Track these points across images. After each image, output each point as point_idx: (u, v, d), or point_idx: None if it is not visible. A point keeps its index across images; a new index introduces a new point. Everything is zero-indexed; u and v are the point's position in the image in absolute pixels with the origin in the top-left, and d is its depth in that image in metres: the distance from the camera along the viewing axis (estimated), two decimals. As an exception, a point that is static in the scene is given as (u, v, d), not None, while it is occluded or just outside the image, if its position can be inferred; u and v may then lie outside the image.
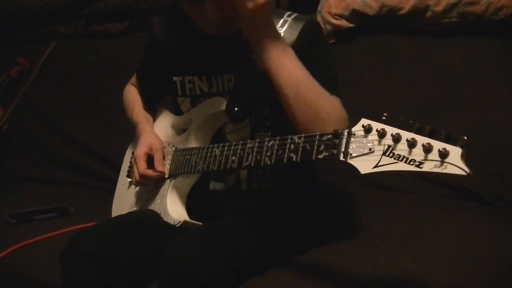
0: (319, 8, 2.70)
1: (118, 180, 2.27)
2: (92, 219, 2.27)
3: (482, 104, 2.37)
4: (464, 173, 1.18)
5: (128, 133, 2.29)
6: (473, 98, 2.39)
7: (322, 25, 2.62)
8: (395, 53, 2.57)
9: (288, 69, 1.65)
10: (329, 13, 2.63)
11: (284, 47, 1.67)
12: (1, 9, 3.59)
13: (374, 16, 2.57)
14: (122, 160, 2.33)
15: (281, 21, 1.83)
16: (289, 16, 1.85)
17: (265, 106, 1.84)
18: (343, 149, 1.35)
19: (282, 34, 1.77)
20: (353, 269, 1.65)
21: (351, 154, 1.33)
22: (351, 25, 2.63)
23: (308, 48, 1.78)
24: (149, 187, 2.00)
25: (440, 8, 2.44)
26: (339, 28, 2.63)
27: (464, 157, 1.19)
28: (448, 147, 1.19)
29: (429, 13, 2.47)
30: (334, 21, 2.62)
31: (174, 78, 1.98)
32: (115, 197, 2.24)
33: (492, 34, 2.43)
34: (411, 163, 1.22)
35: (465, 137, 1.20)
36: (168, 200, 1.90)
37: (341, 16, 2.62)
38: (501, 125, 2.31)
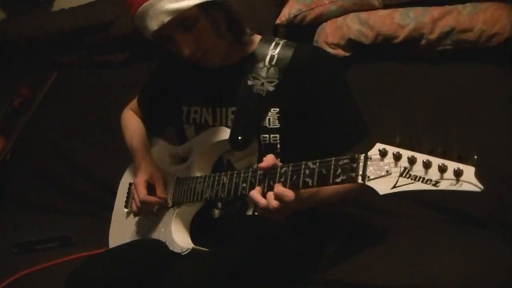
0: (315, 38, 2.72)
1: (114, 210, 2.27)
2: (94, 248, 2.31)
3: (479, 129, 2.40)
4: (478, 190, 1.24)
5: (125, 162, 2.31)
6: (470, 123, 2.42)
7: None
8: (391, 81, 2.60)
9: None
10: (326, 42, 2.65)
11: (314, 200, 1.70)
12: (4, 39, 3.61)
13: (370, 45, 2.59)
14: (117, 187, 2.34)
15: (274, 43, 1.90)
16: (280, 40, 1.92)
17: (273, 134, 1.86)
18: (361, 172, 1.39)
19: (276, 55, 1.85)
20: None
21: (369, 177, 1.37)
22: (347, 54, 2.65)
23: (328, 85, 1.85)
24: (150, 216, 2.00)
25: (434, 36, 2.47)
26: (336, 57, 2.64)
27: (477, 174, 1.25)
28: (462, 166, 1.25)
29: (423, 41, 2.50)
30: (330, 50, 2.64)
31: (182, 107, 2.00)
32: (111, 227, 2.25)
33: (486, 61, 2.46)
34: (428, 182, 1.27)
35: (476, 156, 1.26)
36: (173, 228, 1.91)
37: (337, 45, 2.64)
38: (496, 151, 2.34)
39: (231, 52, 1.87)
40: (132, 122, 2.25)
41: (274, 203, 1.53)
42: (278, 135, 1.85)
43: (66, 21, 3.46)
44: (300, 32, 2.79)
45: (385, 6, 2.64)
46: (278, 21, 2.78)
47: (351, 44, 2.63)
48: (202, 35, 1.77)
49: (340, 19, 2.67)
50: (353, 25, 2.61)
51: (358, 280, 1.80)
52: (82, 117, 3.32)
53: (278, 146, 1.86)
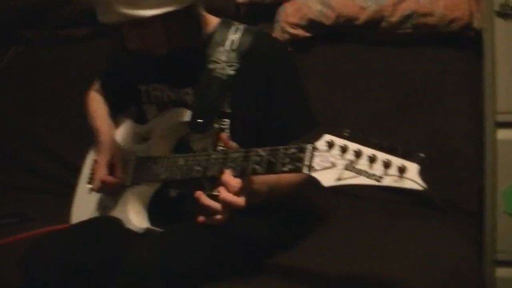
0: (276, 17, 2.76)
1: (78, 186, 2.29)
2: (52, 224, 2.28)
3: (437, 113, 2.48)
4: (420, 188, 1.26)
5: (90, 138, 2.30)
6: (428, 108, 2.50)
7: (280, 34, 2.71)
8: (352, 63, 2.66)
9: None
10: (287, 22, 2.70)
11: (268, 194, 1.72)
12: None
13: (331, 26, 2.65)
14: (81, 163, 2.35)
15: (234, 28, 1.92)
16: (239, 25, 1.93)
17: (222, 120, 1.90)
18: (307, 163, 1.41)
19: (237, 40, 1.87)
20: (315, 273, 1.74)
21: (314, 168, 1.39)
22: (308, 34, 2.70)
23: (282, 75, 1.89)
24: (110, 193, 2.03)
25: (395, 19, 2.54)
26: (297, 37, 2.70)
27: (421, 173, 1.27)
28: (406, 163, 1.27)
29: (384, 24, 2.56)
30: (291, 30, 2.69)
31: (139, 86, 2.02)
32: (74, 202, 2.26)
33: (445, 45, 2.54)
34: (372, 177, 1.29)
35: (421, 154, 1.28)
36: (129, 207, 1.94)
37: (298, 26, 2.68)
38: (456, 134, 2.42)
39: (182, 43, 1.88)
40: (95, 103, 2.26)
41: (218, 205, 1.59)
42: (228, 120, 1.89)
43: None
44: (261, 11, 2.83)
45: (347, -13, 2.68)
46: (239, 0, 2.82)
47: (312, 25, 2.68)
48: (152, 37, 1.77)
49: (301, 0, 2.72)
50: (314, 6, 2.67)
51: (314, 266, 1.83)
52: (42, 91, 3.30)
53: (228, 131, 1.89)
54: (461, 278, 1.79)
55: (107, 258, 1.79)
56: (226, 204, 1.58)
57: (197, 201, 1.62)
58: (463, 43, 2.50)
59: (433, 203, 2.31)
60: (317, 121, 1.92)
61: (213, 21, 1.94)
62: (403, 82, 2.56)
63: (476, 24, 2.42)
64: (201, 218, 1.63)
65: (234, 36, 1.88)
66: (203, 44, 1.90)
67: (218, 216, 1.60)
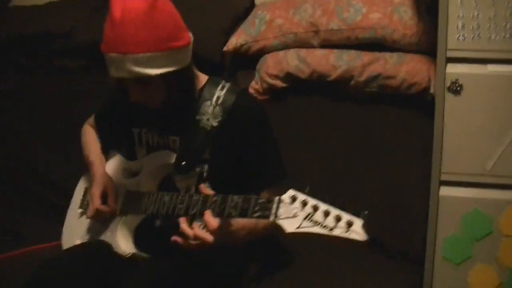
0: (257, 67, 2.97)
1: (69, 210, 2.49)
2: (43, 242, 2.56)
3: (394, 168, 2.67)
4: (363, 239, 1.53)
5: (79, 165, 2.50)
6: (386, 162, 2.70)
7: (259, 84, 2.93)
8: (322, 114, 2.85)
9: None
10: (266, 73, 2.90)
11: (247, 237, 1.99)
12: None
13: (306, 80, 2.85)
14: (71, 187, 2.55)
15: (220, 85, 2.16)
16: (226, 82, 2.17)
17: (204, 164, 2.14)
18: (274, 211, 1.68)
19: (222, 96, 2.11)
20: None
21: (279, 216, 1.65)
22: (284, 85, 2.90)
23: (258, 132, 2.13)
24: (101, 221, 2.25)
25: (362, 79, 2.75)
26: (274, 87, 2.91)
27: (364, 227, 1.54)
28: (353, 218, 1.54)
29: (353, 82, 2.77)
30: (270, 80, 2.90)
31: (132, 129, 2.25)
32: (65, 225, 2.46)
33: (405, 106, 2.75)
34: (325, 228, 1.56)
35: (366, 212, 1.55)
36: (118, 234, 2.18)
37: (276, 77, 2.89)
38: (409, 188, 2.62)
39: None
40: (89, 137, 2.47)
41: (199, 232, 1.84)
42: (206, 166, 2.13)
43: (28, 25, 3.53)
44: (244, 60, 3.03)
45: (323, 46, 2.89)
46: (225, 48, 3.01)
47: (289, 77, 2.89)
48: (152, 93, 2.02)
49: (281, 53, 2.93)
50: (292, 61, 2.87)
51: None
52: (36, 119, 3.42)
53: (205, 175, 2.13)
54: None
55: (99, 279, 2.04)
56: (196, 238, 1.83)
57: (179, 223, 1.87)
58: (421, 105, 2.68)
59: (384, 249, 2.53)
60: (285, 174, 2.15)
61: (202, 79, 2.18)
62: (364, 137, 2.76)
63: (432, 90, 2.60)
64: (175, 238, 1.88)
65: (220, 92, 2.12)
66: (194, 98, 2.13)
67: (191, 242, 1.85)
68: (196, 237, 1.83)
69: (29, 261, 2.28)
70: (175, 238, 1.87)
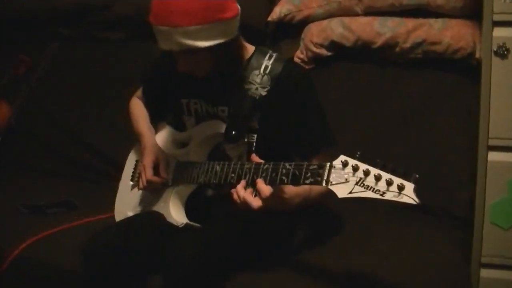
0: (302, 36, 2.99)
1: (121, 182, 2.54)
2: (97, 213, 2.62)
3: (437, 130, 2.70)
4: (415, 203, 1.55)
5: (125, 134, 2.56)
6: (431, 125, 2.73)
7: (304, 53, 2.95)
8: (367, 81, 2.88)
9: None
10: (311, 41, 2.93)
11: (300, 204, 1.99)
12: (7, 10, 3.71)
13: (350, 47, 2.87)
14: (120, 157, 2.60)
15: (268, 55, 2.18)
16: (272, 53, 2.20)
17: (253, 134, 2.17)
18: (325, 178, 1.70)
19: (270, 65, 2.13)
20: (325, 268, 2.10)
21: (331, 182, 1.68)
22: (329, 53, 2.93)
23: (305, 100, 2.14)
24: (152, 191, 2.30)
25: (407, 45, 2.76)
26: (319, 55, 2.93)
27: (416, 190, 1.56)
28: (405, 182, 1.56)
29: (398, 49, 2.78)
30: (314, 49, 2.92)
31: (181, 100, 2.28)
32: (117, 196, 2.52)
33: (450, 70, 2.75)
34: (377, 192, 1.59)
35: (417, 175, 1.57)
36: (171, 204, 2.22)
37: (321, 45, 2.91)
38: (451, 151, 2.64)
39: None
40: (137, 109, 2.50)
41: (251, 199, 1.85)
42: (255, 135, 2.16)
43: None
44: (288, 29, 3.05)
45: (366, 14, 2.90)
46: (269, 18, 3.04)
47: (334, 45, 2.91)
48: (199, 64, 2.04)
49: (325, 22, 2.95)
50: (337, 28, 2.89)
51: (319, 262, 2.15)
52: (81, 88, 3.49)
53: (254, 144, 2.16)
54: (449, 277, 2.09)
55: (154, 247, 2.09)
56: (244, 202, 1.85)
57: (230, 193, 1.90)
58: (466, 70, 2.69)
59: (430, 210, 2.56)
60: (334, 140, 2.17)
61: (249, 49, 2.19)
62: (410, 102, 2.79)
63: (478, 54, 2.61)
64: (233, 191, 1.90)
65: (268, 62, 2.14)
66: (242, 68, 2.15)
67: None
68: (244, 201, 1.86)
69: (84, 232, 2.34)
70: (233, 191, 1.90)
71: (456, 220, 2.54)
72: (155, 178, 2.23)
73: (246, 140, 2.16)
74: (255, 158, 1.94)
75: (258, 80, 2.13)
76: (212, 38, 1.97)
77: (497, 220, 2.35)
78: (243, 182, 1.90)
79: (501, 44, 2.24)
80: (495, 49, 2.25)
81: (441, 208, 2.58)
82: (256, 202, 1.84)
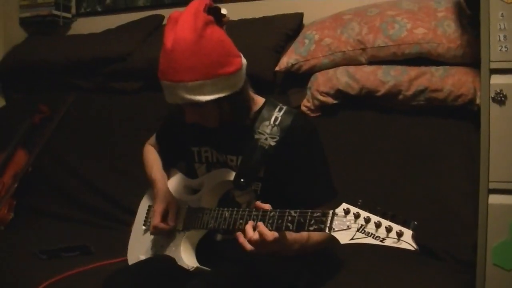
0: (309, 85, 3.08)
1: (134, 226, 2.61)
2: (110, 257, 2.67)
3: (440, 177, 2.75)
4: (413, 249, 1.62)
5: (138, 182, 2.64)
6: (435, 170, 2.77)
7: (311, 101, 3.04)
8: (371, 128, 2.96)
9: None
10: (317, 90, 3.02)
11: (299, 250, 2.07)
12: (28, 62, 3.89)
13: (355, 96, 2.96)
14: (133, 203, 2.67)
15: (278, 107, 2.26)
16: (282, 106, 2.27)
17: (258, 182, 2.25)
18: (328, 225, 1.78)
19: (280, 117, 2.21)
20: None
21: (334, 229, 1.76)
22: (335, 101, 3.02)
23: (311, 152, 2.22)
24: (164, 236, 2.37)
25: (410, 92, 2.85)
26: (325, 103, 3.02)
27: (414, 237, 1.63)
28: (403, 229, 1.64)
29: (401, 97, 2.87)
30: (321, 97, 3.01)
31: (192, 148, 2.36)
32: (130, 240, 2.58)
33: (452, 117, 2.82)
34: (377, 239, 1.66)
35: (416, 222, 1.64)
36: (182, 248, 2.29)
37: (327, 94, 3.00)
38: (455, 196, 2.69)
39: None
40: (151, 156, 2.58)
41: (256, 237, 1.92)
42: (259, 183, 2.24)
43: (86, 50, 3.75)
44: (295, 79, 3.16)
45: (370, 63, 3.00)
46: (277, 68, 3.16)
47: (339, 94, 3.00)
48: (206, 115, 2.12)
49: (331, 71, 3.04)
50: (342, 78, 2.98)
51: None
52: (96, 137, 3.60)
53: (258, 192, 2.24)
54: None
55: None
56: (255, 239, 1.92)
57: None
58: (467, 115, 2.75)
59: (434, 254, 2.60)
60: (337, 193, 2.22)
61: (259, 100, 2.28)
62: (413, 148, 2.84)
63: (478, 100, 2.66)
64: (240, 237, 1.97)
65: (278, 113, 2.22)
66: (251, 119, 2.23)
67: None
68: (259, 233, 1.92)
69: (98, 275, 2.38)
70: (239, 234, 1.96)
71: (460, 264, 2.57)
72: (162, 225, 2.30)
73: (253, 188, 2.23)
74: (260, 205, 2.01)
75: (268, 131, 2.20)
76: (216, 92, 2.05)
77: (499, 262, 2.39)
78: (251, 222, 1.97)
79: (499, 91, 2.32)
80: (493, 96, 2.32)
81: (445, 251, 2.62)
82: (270, 234, 1.91)
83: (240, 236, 1.97)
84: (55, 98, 3.82)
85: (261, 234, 1.91)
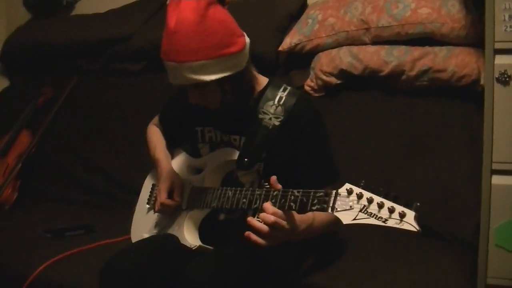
0: (312, 65, 3.08)
1: (137, 206, 2.62)
2: (114, 236, 2.71)
3: (444, 156, 2.75)
4: (415, 230, 1.63)
5: (139, 162, 2.69)
6: (438, 151, 2.78)
7: (314, 81, 3.04)
8: (374, 108, 2.96)
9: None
10: (321, 70, 3.02)
11: (306, 232, 2.02)
12: (32, 45, 3.90)
13: (359, 76, 2.96)
14: (135, 184, 2.70)
15: (282, 87, 2.26)
16: (286, 86, 2.28)
17: (261, 163, 2.24)
18: (331, 205, 1.78)
19: (284, 97, 2.22)
20: None
21: (336, 209, 1.76)
22: (338, 81, 3.02)
23: (314, 134, 2.21)
24: (167, 215, 2.38)
25: (413, 73, 2.84)
26: (328, 84, 3.02)
27: (416, 218, 1.63)
28: (406, 210, 1.64)
29: (404, 77, 2.87)
30: (324, 77, 3.01)
31: (196, 128, 2.37)
32: (134, 220, 2.60)
33: (455, 97, 2.82)
34: (379, 219, 1.66)
35: (418, 203, 1.64)
36: (185, 227, 2.29)
37: (330, 74, 3.01)
38: (456, 176, 2.69)
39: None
40: (155, 136, 2.59)
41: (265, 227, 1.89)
42: (262, 163, 2.23)
43: (89, 31, 3.76)
44: (299, 58, 3.16)
45: (374, 43, 3.00)
46: (280, 48, 3.16)
47: (343, 74, 3.00)
48: (209, 96, 2.12)
49: (334, 51, 3.04)
50: (345, 58, 2.98)
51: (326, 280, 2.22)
52: (99, 118, 3.62)
53: (261, 173, 2.24)
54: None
55: (169, 269, 2.16)
56: (272, 224, 1.88)
57: (248, 224, 1.91)
58: (471, 96, 2.75)
59: (438, 235, 2.61)
60: (338, 175, 2.23)
61: (262, 80, 2.28)
62: (416, 128, 2.85)
63: (482, 81, 2.64)
64: (249, 235, 1.91)
65: (282, 93, 2.22)
66: (255, 99, 2.23)
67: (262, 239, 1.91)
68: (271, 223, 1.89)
69: (101, 254, 2.38)
70: (248, 234, 1.92)
71: (464, 245, 2.58)
72: (169, 201, 2.31)
73: (256, 168, 2.23)
74: (273, 181, 1.97)
75: (272, 111, 2.20)
76: (218, 72, 2.05)
77: (502, 243, 2.38)
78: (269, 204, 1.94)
79: (503, 71, 2.29)
80: (497, 76, 2.30)
81: (449, 233, 2.63)
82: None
83: (251, 235, 1.92)
84: (59, 80, 3.84)
85: (274, 213, 1.89)
